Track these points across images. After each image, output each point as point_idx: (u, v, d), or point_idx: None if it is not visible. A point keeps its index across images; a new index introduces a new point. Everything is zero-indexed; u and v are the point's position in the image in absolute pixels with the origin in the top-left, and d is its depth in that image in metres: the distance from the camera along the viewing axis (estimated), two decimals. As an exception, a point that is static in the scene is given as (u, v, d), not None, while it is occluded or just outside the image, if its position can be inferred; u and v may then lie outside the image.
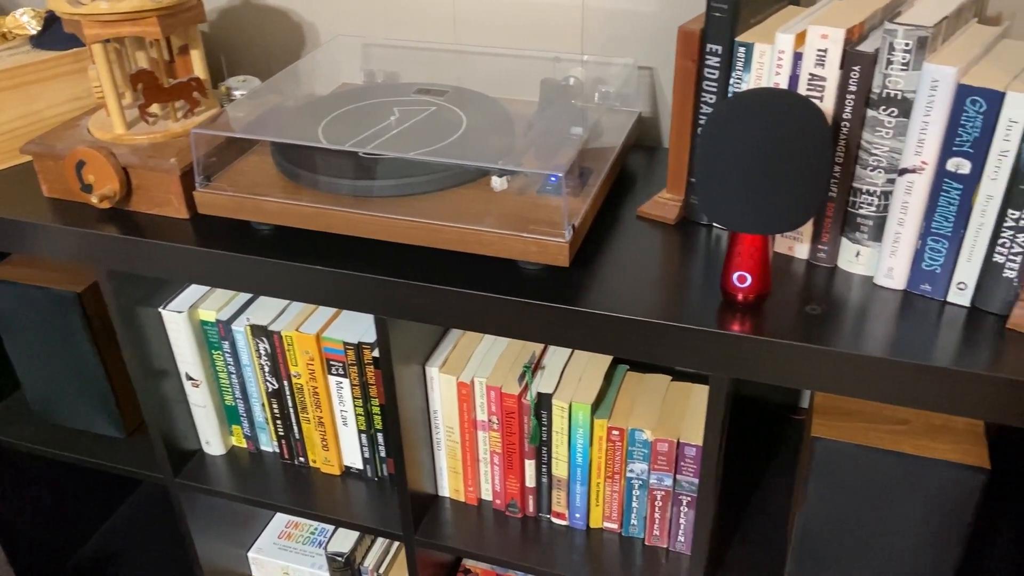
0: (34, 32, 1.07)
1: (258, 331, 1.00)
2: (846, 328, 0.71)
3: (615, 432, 0.91)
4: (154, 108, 0.94)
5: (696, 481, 0.90)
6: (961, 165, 0.66)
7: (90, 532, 1.49)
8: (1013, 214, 0.66)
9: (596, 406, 0.92)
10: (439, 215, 0.80)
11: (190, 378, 1.06)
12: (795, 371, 0.71)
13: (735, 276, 0.71)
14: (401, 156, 0.82)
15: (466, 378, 0.95)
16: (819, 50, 0.70)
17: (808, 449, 0.80)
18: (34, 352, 1.11)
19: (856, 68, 0.69)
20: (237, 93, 1.00)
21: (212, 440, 1.12)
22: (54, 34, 1.07)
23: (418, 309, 0.81)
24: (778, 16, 0.81)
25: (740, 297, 0.72)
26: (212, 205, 0.85)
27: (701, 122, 0.81)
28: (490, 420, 0.96)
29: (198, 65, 0.95)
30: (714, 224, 0.86)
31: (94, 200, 0.87)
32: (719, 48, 0.76)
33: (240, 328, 1.02)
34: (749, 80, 0.76)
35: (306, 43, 1.16)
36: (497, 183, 0.79)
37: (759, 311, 0.73)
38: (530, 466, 0.98)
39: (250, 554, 1.29)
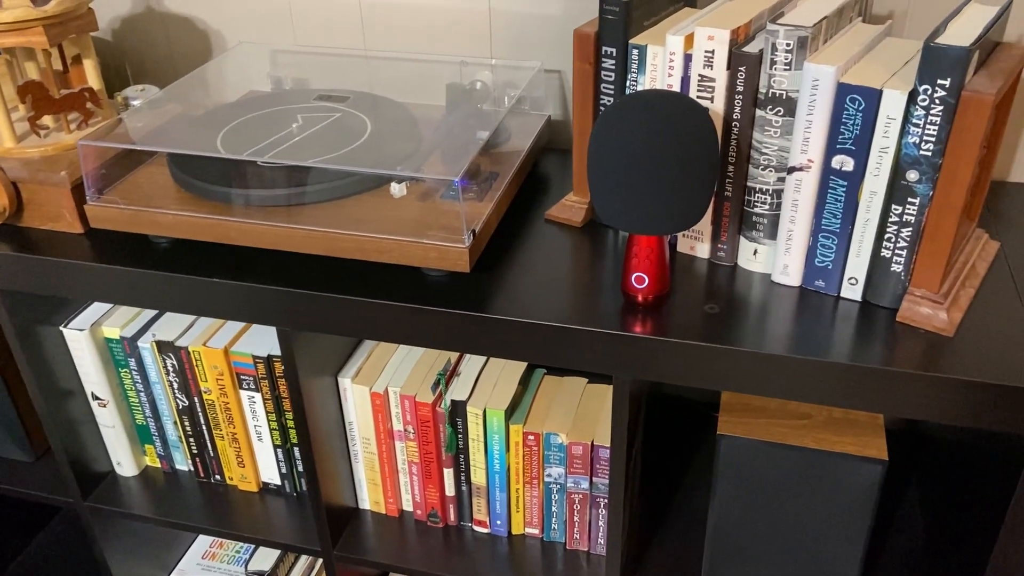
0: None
1: (164, 347, 0.98)
2: (745, 326, 0.72)
3: (531, 437, 0.91)
4: (46, 120, 0.91)
5: (611, 483, 0.91)
6: (845, 162, 0.68)
7: (4, 564, 1.43)
8: (896, 209, 0.67)
9: (511, 411, 0.91)
10: (338, 223, 0.78)
11: (96, 398, 1.03)
12: (696, 370, 0.71)
13: (633, 277, 0.71)
14: (296, 164, 0.80)
15: (380, 388, 0.93)
16: (706, 51, 0.71)
17: (714, 442, 0.81)
18: (-69, 376, 1.06)
19: (742, 69, 0.70)
20: (135, 103, 0.97)
21: (124, 461, 1.09)
22: (-57, 45, 1.03)
23: (322, 320, 0.79)
24: (673, 18, 0.82)
25: (640, 298, 0.73)
26: (105, 219, 0.82)
27: (601, 124, 0.81)
28: (406, 430, 0.95)
29: (92, 75, 0.92)
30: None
31: (-20, 217, 0.84)
32: (613, 50, 0.77)
33: (146, 344, 0.99)
34: (644, 82, 0.77)
35: (213, 50, 1.13)
36: (396, 189, 0.78)
37: (659, 311, 0.74)
38: (449, 475, 0.97)
39: (172, 576, 1.26)
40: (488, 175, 0.85)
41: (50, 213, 0.87)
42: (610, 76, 0.78)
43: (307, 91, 1.00)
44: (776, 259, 0.75)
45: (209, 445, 1.05)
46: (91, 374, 1.01)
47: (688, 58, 0.73)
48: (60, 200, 0.85)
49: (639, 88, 0.77)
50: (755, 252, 0.77)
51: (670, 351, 0.71)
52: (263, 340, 0.97)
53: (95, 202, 0.82)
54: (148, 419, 1.06)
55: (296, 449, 1.02)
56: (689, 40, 0.73)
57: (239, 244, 0.80)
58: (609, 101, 0.79)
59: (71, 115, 0.91)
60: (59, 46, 0.94)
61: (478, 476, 0.96)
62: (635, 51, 0.76)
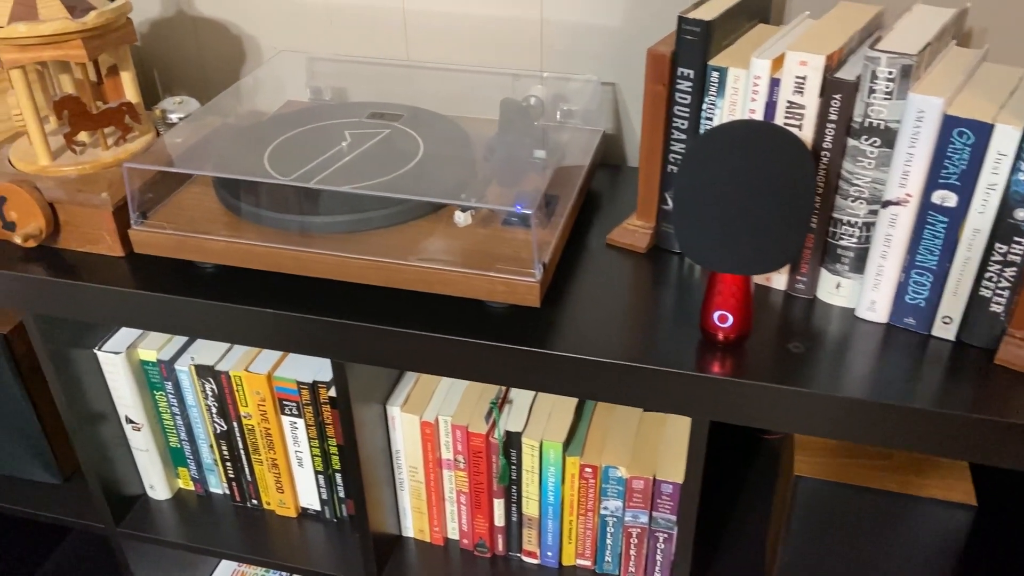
0: (-55, 50, 0.98)
1: (204, 371, 0.94)
2: (830, 367, 0.68)
3: (588, 470, 0.87)
4: (82, 136, 0.87)
5: (673, 518, 0.87)
6: (947, 198, 0.64)
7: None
8: (1000, 248, 0.64)
9: (567, 442, 0.88)
10: (397, 252, 0.74)
11: (130, 421, 0.99)
12: (779, 414, 0.68)
13: (716, 316, 0.68)
14: (356, 192, 0.76)
15: (430, 417, 0.90)
16: (798, 77, 0.67)
17: (789, 485, 0.78)
18: (-44, 397, 1.02)
19: (837, 97, 0.66)
20: (173, 116, 0.93)
21: (157, 484, 1.05)
22: (-32, 52, 0.98)
23: (378, 353, 0.76)
24: (750, 37, 0.77)
25: (720, 337, 0.69)
26: (150, 245, 0.78)
27: (672, 147, 0.77)
28: (456, 459, 0.91)
29: (129, 88, 0.87)
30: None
31: (17, 240, 0.80)
32: (691, 72, 0.73)
33: (184, 368, 0.95)
34: (723, 106, 0.72)
35: (246, 58, 1.09)
36: (461, 218, 0.74)
37: (740, 351, 0.70)
38: (499, 505, 0.93)
39: (201, 597, 1.23)
40: (551, 198, 0.81)
41: (89, 236, 0.82)
42: (685, 99, 0.74)
43: (353, 105, 0.96)
44: (862, 294, 0.72)
45: (247, 470, 1.01)
46: (125, 397, 0.97)
47: (774, 83, 0.68)
48: (100, 223, 0.81)
49: (716, 112, 0.73)
50: (838, 286, 0.73)
51: (755, 395, 0.67)
52: (306, 365, 0.93)
53: (139, 227, 0.78)
54: (183, 442, 1.02)
55: (338, 475, 0.98)
56: (776, 63, 0.69)
57: (292, 273, 0.76)
58: (682, 125, 0.75)
59: (108, 130, 0.87)
60: (94, 57, 0.90)
61: (530, 507, 0.92)
62: (714, 73, 0.72)
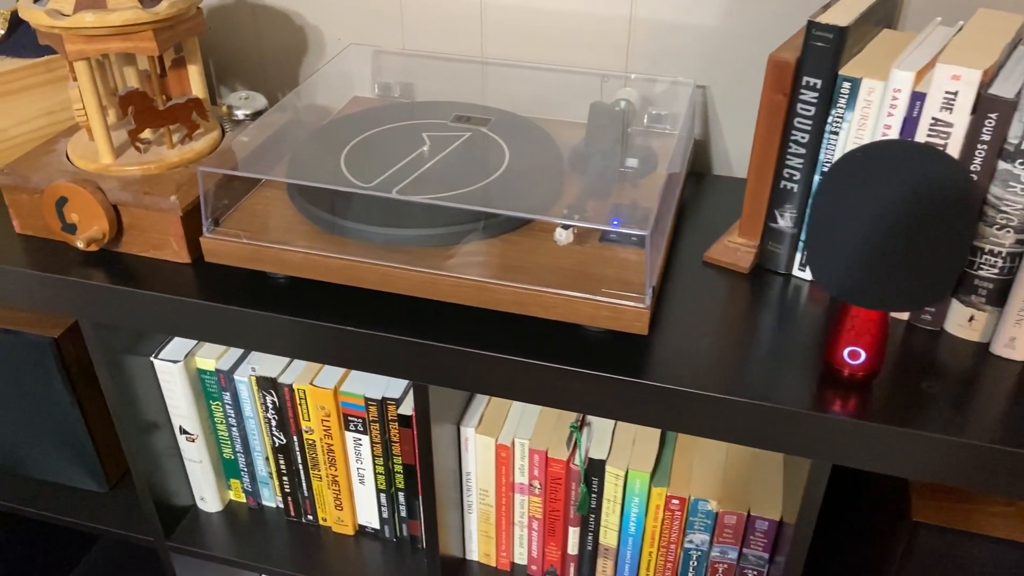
0: (-3, 36, 0.93)
1: (265, 383, 0.89)
2: (968, 411, 0.62)
3: (675, 501, 0.82)
4: (146, 133, 0.81)
5: (766, 556, 0.82)
6: (1116, 231, 0.58)
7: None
8: None
9: (653, 471, 0.82)
10: (489, 270, 0.69)
11: (184, 432, 0.94)
12: (911, 460, 0.62)
13: (846, 351, 0.62)
14: (458, 206, 0.70)
15: (506, 440, 0.84)
16: (948, 92, 0.60)
17: (903, 530, 0.72)
18: (2, 402, 0.98)
19: (992, 115, 0.59)
20: (239, 113, 0.87)
21: (208, 496, 1.00)
22: (21, 38, 0.93)
23: (466, 378, 0.70)
24: (877, 44, 0.71)
25: (847, 373, 0.63)
26: (222, 254, 0.73)
27: (788, 162, 0.71)
28: (531, 484, 0.86)
29: (196, 83, 0.82)
30: (793, 275, 0.76)
31: (79, 244, 0.75)
32: (818, 82, 0.66)
33: (243, 378, 0.90)
34: (852, 119, 0.66)
35: (308, 49, 1.03)
36: (562, 236, 0.68)
37: (867, 389, 0.64)
38: (574, 533, 0.88)
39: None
40: (650, 214, 0.75)
41: (153, 241, 0.77)
42: (808, 110, 0.68)
43: (431, 105, 0.90)
44: (1000, 329, 0.66)
45: (304, 485, 0.96)
46: (181, 407, 0.92)
47: (916, 97, 0.62)
48: (167, 227, 0.76)
49: (844, 127, 0.67)
50: (971, 319, 0.67)
51: (888, 439, 0.61)
52: (373, 381, 0.88)
53: (212, 234, 0.72)
54: (238, 454, 0.97)
55: (401, 494, 0.93)
56: (919, 75, 0.62)
57: (374, 288, 0.71)
58: (802, 138, 0.69)
59: (173, 126, 0.81)
60: (157, 47, 0.84)
61: (608, 537, 0.87)
62: (845, 84, 0.65)
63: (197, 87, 0.82)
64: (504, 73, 0.96)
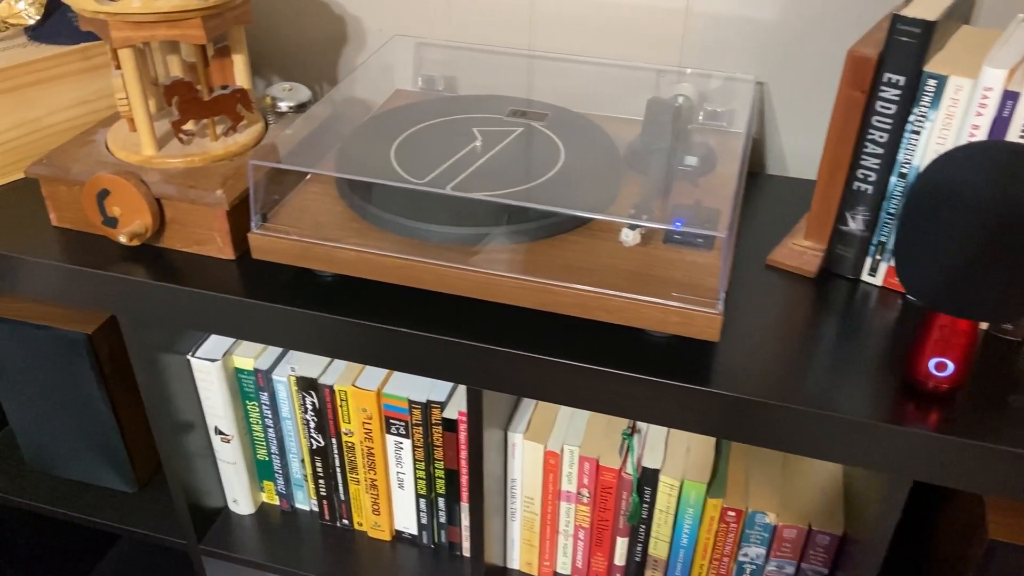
0: (32, 22, 0.90)
1: (305, 384, 0.86)
2: (1059, 426, 0.59)
3: (731, 513, 0.79)
4: (188, 124, 0.79)
5: (825, 571, 0.79)
6: None
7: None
8: None
9: (710, 482, 0.79)
10: (551, 272, 0.66)
11: (220, 432, 0.91)
12: (998, 477, 0.59)
13: (932, 363, 0.59)
14: (523, 204, 0.67)
15: (555, 446, 0.82)
16: (1046, 91, 0.57)
17: (978, 547, 0.69)
18: (31, 398, 0.95)
19: (1095, 115, 0.56)
20: (283, 105, 0.84)
21: (240, 499, 0.98)
22: (56, 25, 0.90)
23: (524, 383, 0.67)
24: (958, 40, 0.68)
25: (931, 386, 0.60)
26: (271, 251, 0.70)
27: (863, 162, 0.68)
28: (580, 493, 0.83)
29: (241, 73, 0.79)
30: (861, 280, 0.73)
31: (122, 238, 0.72)
32: (901, 79, 0.63)
33: (282, 378, 0.87)
34: (936, 119, 0.63)
35: (348, 40, 1.00)
36: (629, 237, 0.65)
37: (951, 402, 0.61)
38: (622, 543, 0.85)
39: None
40: (715, 215, 0.72)
41: (197, 236, 0.74)
42: (888, 108, 0.65)
43: (481, 99, 0.87)
44: (1090, 342, 0.63)
45: (341, 488, 0.94)
46: (217, 407, 0.89)
47: (1009, 96, 0.59)
48: (211, 222, 0.73)
49: (927, 126, 0.64)
50: (1057, 330, 0.64)
51: (975, 455, 0.58)
52: (416, 383, 0.85)
53: (260, 230, 0.70)
54: (272, 455, 0.95)
55: (441, 500, 0.90)
56: (1011, 74, 0.59)
57: (430, 289, 0.68)
58: (880, 138, 0.66)
59: (216, 118, 0.79)
60: (200, 36, 0.81)
61: (658, 548, 0.84)
62: (931, 81, 0.62)
63: (242, 78, 0.79)
64: (551, 67, 0.93)
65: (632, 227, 0.65)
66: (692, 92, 0.83)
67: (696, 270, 0.66)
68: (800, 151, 0.90)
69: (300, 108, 0.85)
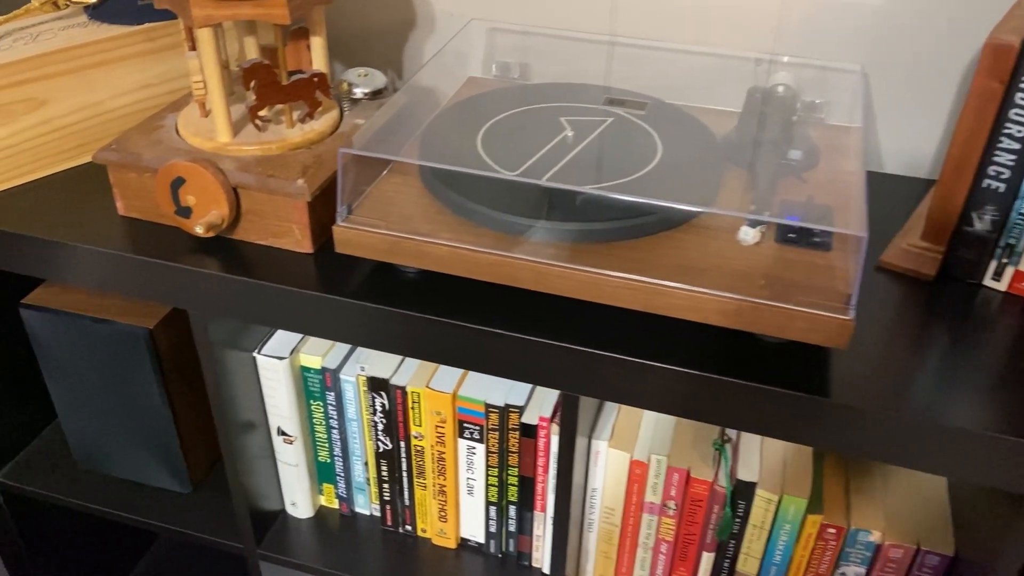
0: (93, 0, 0.86)
1: (376, 384, 0.82)
2: None
3: (831, 530, 0.74)
4: (264, 110, 0.74)
5: (932, 594, 0.74)
6: None
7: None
8: None
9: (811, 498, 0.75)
10: (661, 271, 0.61)
11: (283, 433, 0.88)
12: None
13: (1088, 377, 0.54)
14: (635, 199, 0.63)
15: (641, 455, 0.77)
16: None
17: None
18: (86, 393, 0.92)
19: None
20: (358, 91, 0.80)
21: (300, 502, 0.94)
22: (116, 3, 0.86)
23: (628, 391, 0.63)
24: (1104, 26, 0.63)
25: (1082, 401, 0.55)
26: (357, 245, 0.65)
27: (996, 158, 0.63)
28: (666, 505, 0.79)
29: (319, 57, 0.75)
30: (984, 285, 0.68)
31: (198, 229, 0.68)
32: (1048, 68, 0.58)
33: (350, 378, 0.83)
34: (1086, 112, 0.58)
35: (417, 23, 0.96)
36: (749, 235, 0.60)
37: (1103, 419, 0.56)
38: (708, 559, 0.81)
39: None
40: (830, 212, 0.67)
41: (274, 228, 0.70)
42: (1030, 100, 0.60)
43: (563, 87, 0.82)
44: None
45: (406, 493, 0.89)
46: (281, 407, 0.85)
47: None
48: (290, 214, 0.69)
49: (1074, 119, 0.59)
50: None
51: None
52: (494, 385, 0.81)
53: (346, 223, 0.65)
54: (335, 458, 0.91)
55: (512, 508, 0.86)
56: None
57: (527, 288, 0.64)
58: (1017, 132, 0.61)
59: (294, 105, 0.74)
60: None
61: (748, 565, 0.80)
62: (1083, 71, 0.57)
63: (320, 62, 0.75)
64: (633, 54, 0.88)
65: (752, 224, 0.60)
66: (792, 82, 0.78)
67: (816, 272, 0.62)
68: (899, 147, 0.85)
69: (376, 95, 0.80)
